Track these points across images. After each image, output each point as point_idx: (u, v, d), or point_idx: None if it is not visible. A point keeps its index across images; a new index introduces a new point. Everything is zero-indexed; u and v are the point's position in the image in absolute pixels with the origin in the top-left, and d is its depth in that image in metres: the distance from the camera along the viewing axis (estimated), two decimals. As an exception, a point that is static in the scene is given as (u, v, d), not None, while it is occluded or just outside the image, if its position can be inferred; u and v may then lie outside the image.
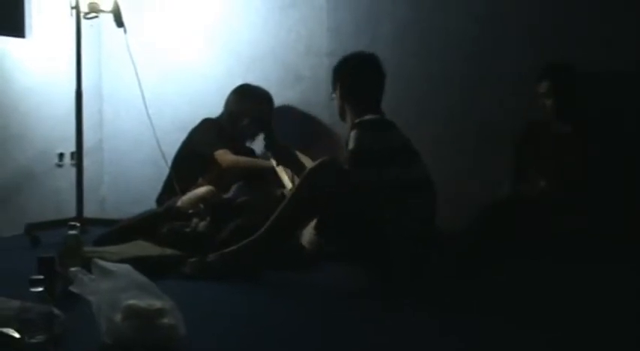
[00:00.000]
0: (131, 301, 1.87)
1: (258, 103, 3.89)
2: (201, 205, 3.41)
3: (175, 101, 4.43)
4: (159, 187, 3.92)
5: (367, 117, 2.91)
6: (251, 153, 4.03)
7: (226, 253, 2.79)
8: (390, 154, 2.82)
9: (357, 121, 2.91)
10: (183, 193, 3.54)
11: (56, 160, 4.35)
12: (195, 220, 3.33)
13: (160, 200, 3.81)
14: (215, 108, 4.01)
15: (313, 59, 4.18)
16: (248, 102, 3.86)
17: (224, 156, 3.74)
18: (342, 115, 3.06)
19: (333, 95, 3.07)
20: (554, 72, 3.32)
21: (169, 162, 3.85)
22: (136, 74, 3.80)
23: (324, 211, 2.79)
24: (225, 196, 3.56)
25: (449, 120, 3.83)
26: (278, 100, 4.05)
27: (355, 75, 3.05)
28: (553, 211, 3.09)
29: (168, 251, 3.02)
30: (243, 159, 3.80)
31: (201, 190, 3.52)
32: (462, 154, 3.81)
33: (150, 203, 3.87)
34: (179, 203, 3.45)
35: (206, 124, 3.89)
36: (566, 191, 3.15)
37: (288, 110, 4.16)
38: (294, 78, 4.21)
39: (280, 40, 4.25)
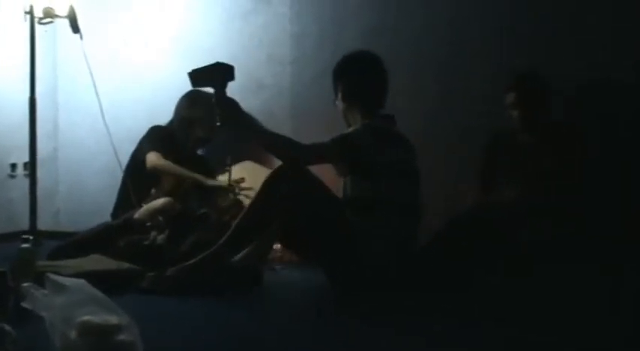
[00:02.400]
0: (86, 317, 1.85)
1: (211, 109, 3.82)
2: (160, 217, 3.38)
3: (133, 109, 4.41)
4: (115, 198, 3.86)
5: (377, 121, 2.91)
6: (201, 161, 3.96)
7: (186, 267, 2.77)
8: (384, 168, 2.83)
9: (366, 121, 2.91)
10: (139, 204, 3.51)
11: (8, 171, 4.32)
12: (153, 232, 3.32)
13: (115, 214, 3.75)
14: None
15: (276, 67, 4.17)
16: (200, 107, 3.77)
17: (151, 158, 3.64)
18: (348, 121, 3.04)
19: (337, 102, 3.04)
20: (520, 83, 3.35)
21: (126, 173, 3.80)
22: (93, 81, 3.79)
23: (287, 219, 2.76)
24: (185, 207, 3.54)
25: (419, 130, 3.77)
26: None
27: (359, 76, 3.02)
28: (522, 222, 3.12)
29: (126, 265, 2.98)
30: (170, 165, 3.65)
31: (160, 201, 3.48)
32: (434, 164, 3.70)
33: (106, 215, 3.82)
34: (136, 215, 3.42)
35: (153, 131, 3.81)
36: (534, 200, 3.18)
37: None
38: (256, 86, 4.18)
39: (242, 47, 4.23)
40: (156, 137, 3.76)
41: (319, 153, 2.85)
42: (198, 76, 2.80)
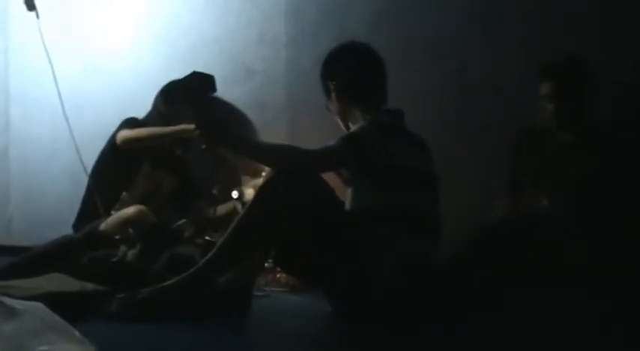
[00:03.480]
0: (43, 348, 1.85)
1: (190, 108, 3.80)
2: (130, 229, 3.39)
3: (99, 100, 4.43)
4: (78, 206, 3.85)
5: (383, 117, 2.92)
6: (182, 163, 3.97)
7: (162, 288, 2.76)
8: (396, 173, 2.83)
9: (370, 116, 2.92)
10: (107, 213, 3.52)
11: (-49, 173, 4.24)
12: (122, 247, 3.31)
13: (77, 224, 3.75)
14: (148, 108, 3.95)
15: (268, 50, 4.19)
16: (178, 106, 3.78)
17: (121, 134, 3.66)
18: (346, 124, 3.03)
19: (330, 105, 3.05)
20: (558, 69, 3.32)
21: (91, 175, 3.79)
22: (51, 67, 3.76)
23: (284, 234, 2.76)
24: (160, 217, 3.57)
25: (434, 129, 3.73)
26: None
27: (354, 69, 3.02)
28: (557, 233, 3.12)
29: (90, 286, 2.96)
30: (144, 130, 3.70)
31: (130, 210, 3.49)
32: (454, 169, 3.70)
33: (68, 226, 3.80)
34: (102, 227, 3.42)
35: (128, 124, 3.81)
36: (571, 210, 3.18)
37: (235, 113, 4.15)
38: (245, 73, 4.22)
39: (228, 26, 4.25)
40: (129, 126, 3.78)
41: (328, 157, 2.84)
42: (172, 93, 2.75)
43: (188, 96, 2.73)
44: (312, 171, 2.80)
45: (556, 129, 3.34)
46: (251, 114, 4.00)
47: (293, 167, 2.78)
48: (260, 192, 2.77)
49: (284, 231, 2.74)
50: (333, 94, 3.02)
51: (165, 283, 2.78)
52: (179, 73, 4.01)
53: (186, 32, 4.30)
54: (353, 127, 2.97)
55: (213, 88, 2.67)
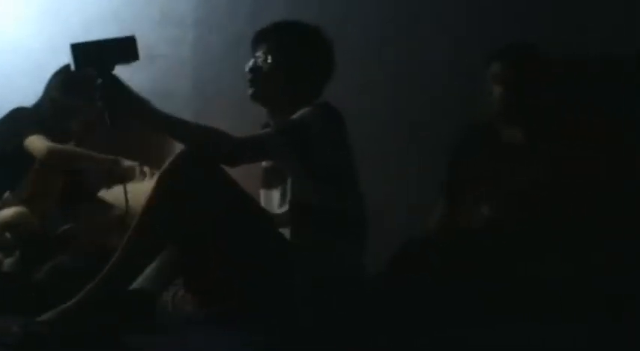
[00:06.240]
0: None
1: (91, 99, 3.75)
2: (7, 234, 3.31)
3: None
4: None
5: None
6: None
7: (69, 310, 2.53)
8: (338, 168, 2.75)
9: (317, 102, 2.82)
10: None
11: None
12: (-1, 254, 3.17)
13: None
14: (33, 95, 3.81)
15: (173, 30, 4.14)
16: (78, 94, 3.63)
17: (39, 143, 3.54)
18: (274, 98, 2.88)
19: (261, 60, 2.88)
20: (509, 49, 3.24)
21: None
22: None
23: (190, 233, 2.61)
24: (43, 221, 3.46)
25: (368, 126, 3.73)
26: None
27: (312, 48, 2.92)
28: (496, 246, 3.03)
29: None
30: (76, 150, 3.64)
31: (8, 212, 3.38)
32: (388, 161, 3.74)
33: None
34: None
35: (15, 115, 3.71)
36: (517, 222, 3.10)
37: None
38: (146, 56, 3.95)
39: (124, 2, 4.20)
40: (30, 120, 3.65)
41: (260, 147, 2.72)
42: (84, 52, 2.66)
43: (99, 59, 2.61)
44: (233, 161, 2.68)
45: (503, 122, 3.23)
46: (153, 103, 3.79)
47: (214, 153, 2.64)
48: (162, 177, 2.60)
49: (191, 227, 2.59)
50: (270, 58, 2.88)
51: (67, 304, 2.55)
52: (67, 56, 3.87)
53: (79, 8, 4.23)
54: (270, 112, 2.90)
55: (134, 55, 2.58)
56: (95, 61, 2.68)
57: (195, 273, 2.78)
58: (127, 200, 3.18)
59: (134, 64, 3.94)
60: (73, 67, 2.68)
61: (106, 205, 3.53)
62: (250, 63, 2.92)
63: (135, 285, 2.67)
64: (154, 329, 2.66)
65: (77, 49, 2.66)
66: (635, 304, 2.85)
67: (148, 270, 2.71)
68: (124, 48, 2.72)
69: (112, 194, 3.60)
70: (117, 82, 2.67)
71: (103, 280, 2.54)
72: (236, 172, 2.73)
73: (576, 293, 2.85)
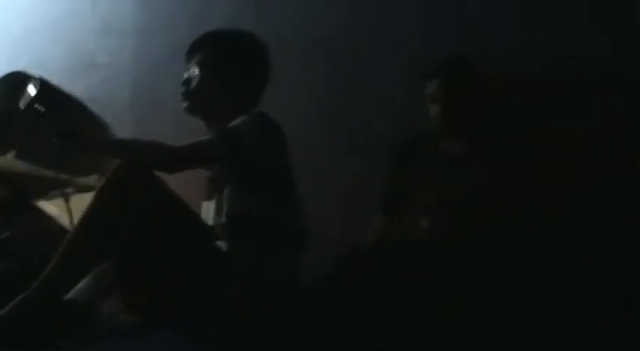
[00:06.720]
0: None
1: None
2: None
3: None
4: None
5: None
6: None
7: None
8: (276, 178, 2.77)
9: (253, 111, 2.83)
10: None
11: None
12: None
13: None
14: None
15: (113, 40, 4.09)
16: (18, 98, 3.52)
17: None
18: (209, 110, 2.90)
19: (196, 77, 2.89)
20: (444, 67, 3.27)
21: None
22: None
23: (128, 245, 2.60)
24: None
25: (305, 134, 3.70)
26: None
27: (244, 57, 2.94)
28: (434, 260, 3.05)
29: None
30: (24, 164, 3.60)
31: None
32: (327, 170, 3.69)
33: None
34: None
35: None
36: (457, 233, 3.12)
37: (83, 109, 3.94)
38: (85, 65, 4.10)
39: (66, 10, 4.15)
40: None
41: (199, 155, 2.75)
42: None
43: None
44: (170, 168, 2.71)
45: (440, 135, 3.28)
46: (93, 111, 3.84)
47: (151, 162, 2.66)
48: (102, 189, 2.61)
49: (129, 239, 2.58)
50: (205, 69, 2.90)
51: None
52: (6, 64, 3.91)
53: (16, 16, 4.20)
54: (212, 121, 2.91)
55: (41, 101, 2.69)
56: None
57: (131, 283, 2.76)
58: (70, 213, 3.17)
59: (74, 72, 4.02)
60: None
61: (45, 216, 3.46)
62: (185, 75, 2.94)
63: (71, 294, 2.66)
64: (89, 338, 2.66)
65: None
66: (565, 311, 2.88)
67: (85, 279, 2.70)
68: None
69: (57, 205, 3.53)
70: (65, 136, 2.69)
71: (37, 288, 2.54)
72: (179, 184, 2.74)
73: (513, 301, 2.87)
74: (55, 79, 3.76)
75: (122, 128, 3.93)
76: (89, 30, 4.08)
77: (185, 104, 2.92)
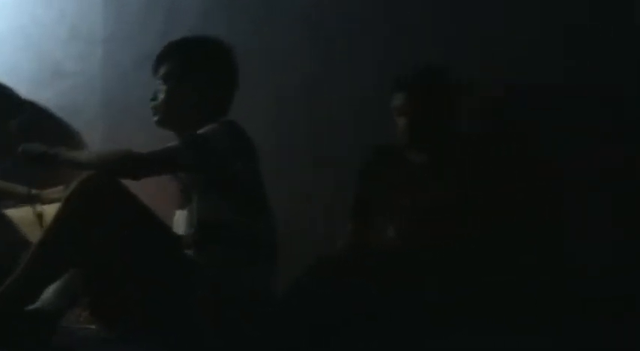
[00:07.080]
0: None
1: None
2: None
3: None
4: None
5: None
6: None
7: None
8: (244, 185, 2.75)
9: (222, 119, 2.81)
10: None
11: None
12: None
13: None
14: None
15: (82, 47, 4.08)
16: None
17: None
18: (179, 121, 2.87)
19: (161, 86, 2.87)
20: (410, 79, 3.23)
21: None
22: None
23: (95, 254, 2.58)
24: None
25: (271, 134, 3.69)
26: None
27: (211, 66, 2.91)
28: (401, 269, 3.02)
29: None
30: None
31: None
32: (297, 179, 3.65)
33: None
34: None
35: None
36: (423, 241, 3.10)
37: (53, 119, 3.97)
38: (53, 73, 4.11)
39: (35, 18, 4.17)
40: None
41: (164, 159, 2.72)
42: None
43: None
44: (136, 174, 2.68)
45: (408, 147, 3.25)
46: (61, 118, 3.87)
47: (118, 169, 2.65)
48: (67, 197, 2.59)
49: (97, 248, 2.57)
50: (175, 81, 2.88)
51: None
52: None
53: None
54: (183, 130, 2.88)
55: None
56: None
57: (99, 292, 2.74)
58: (41, 224, 3.22)
59: (43, 80, 3.99)
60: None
61: (12, 225, 3.43)
62: (154, 89, 2.93)
63: (38, 304, 2.64)
64: (56, 349, 2.64)
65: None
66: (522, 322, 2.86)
67: (52, 288, 2.68)
68: None
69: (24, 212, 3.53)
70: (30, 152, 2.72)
71: (1, 295, 2.53)
72: (150, 194, 2.77)
73: (482, 309, 2.86)
74: (23, 87, 3.83)
75: (92, 135, 3.93)
76: (57, 37, 4.10)
77: (155, 118, 2.91)
